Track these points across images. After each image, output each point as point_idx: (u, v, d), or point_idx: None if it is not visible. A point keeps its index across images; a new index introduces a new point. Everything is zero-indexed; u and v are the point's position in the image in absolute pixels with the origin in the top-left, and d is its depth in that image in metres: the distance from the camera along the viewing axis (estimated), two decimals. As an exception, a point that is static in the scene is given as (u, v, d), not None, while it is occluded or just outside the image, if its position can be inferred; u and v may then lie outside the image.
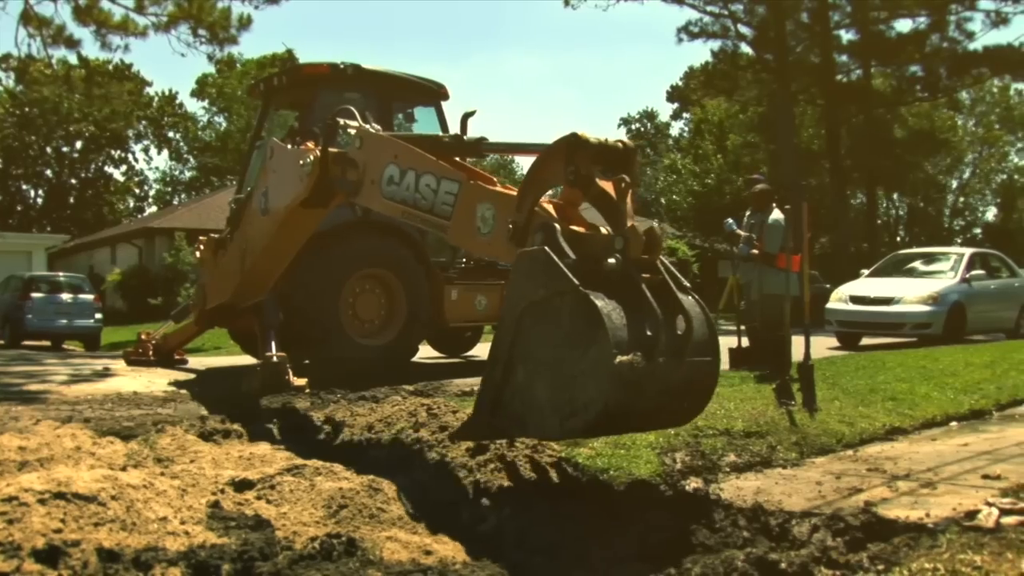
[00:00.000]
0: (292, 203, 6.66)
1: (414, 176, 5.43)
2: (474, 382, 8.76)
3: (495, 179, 5.43)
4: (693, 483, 5.17)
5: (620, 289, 3.90)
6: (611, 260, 4.03)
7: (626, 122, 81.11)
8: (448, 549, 3.98)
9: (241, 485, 4.63)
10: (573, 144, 4.35)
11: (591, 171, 4.33)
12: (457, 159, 5.71)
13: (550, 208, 4.57)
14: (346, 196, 6.24)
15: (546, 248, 4.07)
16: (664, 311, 3.91)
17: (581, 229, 4.35)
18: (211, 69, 56.43)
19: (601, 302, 3.79)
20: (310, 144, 6.56)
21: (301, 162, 6.40)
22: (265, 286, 8.31)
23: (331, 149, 6.17)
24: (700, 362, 4.02)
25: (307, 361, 9.65)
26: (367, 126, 6.08)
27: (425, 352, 12.70)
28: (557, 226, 4.17)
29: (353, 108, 6.29)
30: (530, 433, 4.20)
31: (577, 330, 3.85)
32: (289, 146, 7.07)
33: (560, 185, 4.63)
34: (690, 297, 4.10)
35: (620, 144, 4.41)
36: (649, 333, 3.81)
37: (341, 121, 6.17)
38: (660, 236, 4.14)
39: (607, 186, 4.29)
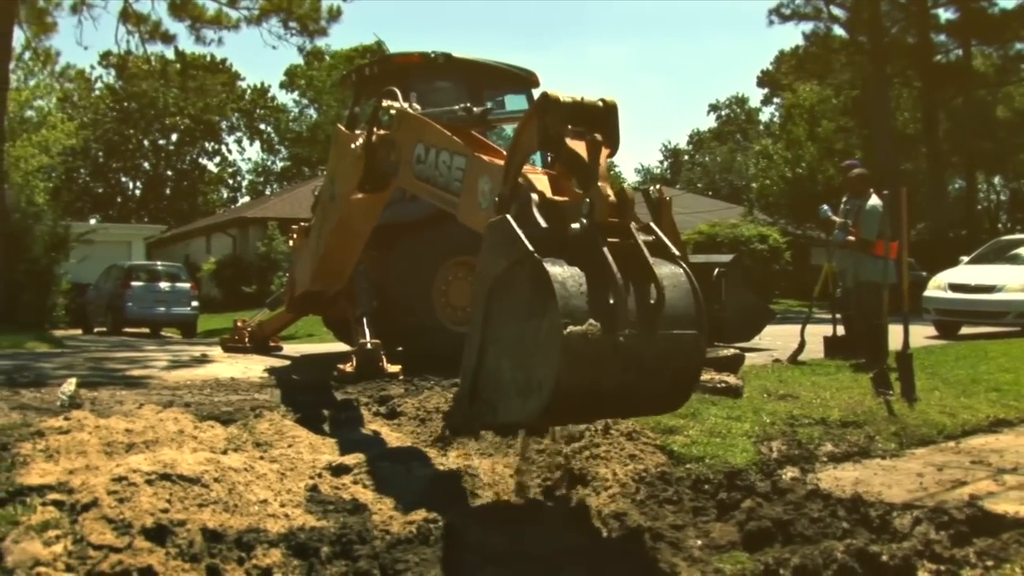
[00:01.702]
0: (351, 188, 6.70)
1: (435, 153, 5.31)
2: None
3: (504, 152, 5.00)
4: (790, 472, 5.10)
5: (586, 256, 3.55)
6: (575, 225, 3.68)
7: (715, 108, 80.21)
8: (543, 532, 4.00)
9: (338, 469, 4.70)
10: (543, 104, 4.06)
11: (560, 131, 4.01)
12: (476, 134, 5.49)
13: (540, 178, 4.32)
14: (392, 177, 6.18)
15: (507, 216, 3.78)
16: (636, 279, 3.54)
17: (564, 199, 4.02)
18: (300, 61, 57.39)
19: (556, 268, 3.44)
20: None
21: (353, 146, 6.46)
22: (341, 273, 8.34)
23: (378, 131, 6.10)
24: (679, 336, 3.57)
25: (400, 348, 9.76)
26: (404, 106, 6.01)
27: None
28: (534, 196, 3.88)
29: (396, 89, 6.18)
30: (500, 418, 3.81)
31: (533, 301, 3.52)
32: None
33: (535, 152, 4.39)
34: (674, 266, 3.69)
35: (599, 102, 4.07)
36: (611, 302, 3.43)
37: (384, 103, 6.13)
38: (631, 198, 3.72)
39: (579, 147, 3.98)
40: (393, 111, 5.96)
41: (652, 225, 3.85)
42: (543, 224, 3.72)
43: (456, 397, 4.14)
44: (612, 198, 3.70)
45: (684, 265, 3.71)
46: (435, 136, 5.41)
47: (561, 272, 3.43)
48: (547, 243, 3.57)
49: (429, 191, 5.42)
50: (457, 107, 5.73)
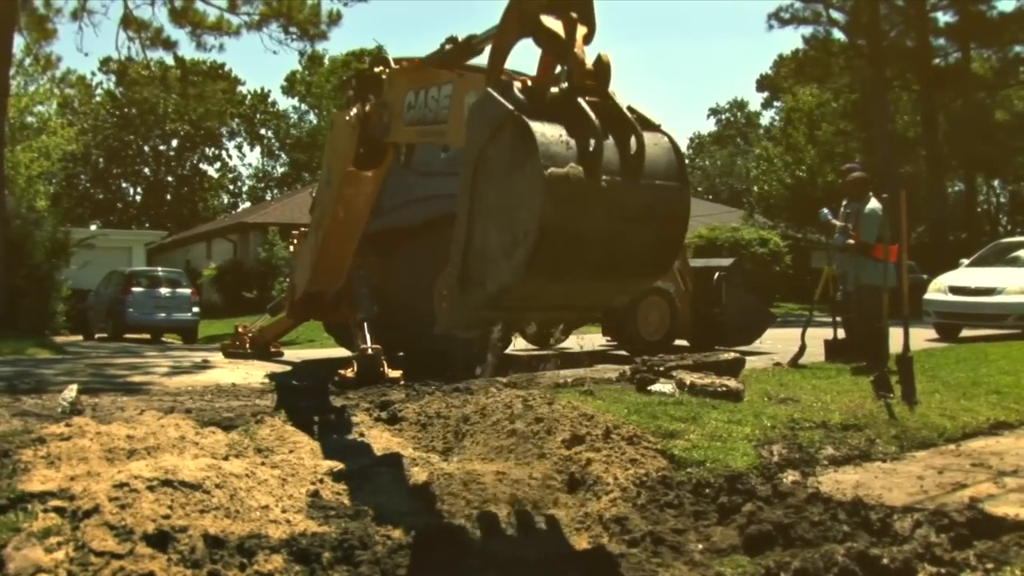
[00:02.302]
0: (347, 163, 6.71)
1: (424, 93, 5.34)
2: (568, 374, 8.78)
3: None
4: (791, 476, 5.10)
5: (566, 115, 3.56)
6: (554, 89, 3.73)
7: (715, 112, 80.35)
8: (545, 537, 4.00)
9: (339, 475, 4.71)
10: None
11: (536, 14, 4.01)
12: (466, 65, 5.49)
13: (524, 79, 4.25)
14: (384, 138, 6.18)
15: (489, 89, 3.80)
16: (617, 134, 3.56)
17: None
18: (300, 67, 57.53)
19: (536, 122, 3.46)
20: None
21: (347, 118, 6.50)
22: (340, 268, 8.30)
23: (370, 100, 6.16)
24: (662, 186, 3.59)
25: (401, 353, 9.77)
26: (394, 64, 6.07)
27: (518, 344, 12.75)
28: (515, 82, 3.86)
29: (384, 49, 6.23)
30: (489, 288, 3.76)
31: (516, 157, 3.53)
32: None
33: (516, 42, 4.34)
34: (657, 132, 3.71)
35: None
36: (591, 149, 3.44)
37: (376, 69, 6.17)
38: (608, 63, 3.72)
39: (557, 26, 3.96)
40: (384, 76, 6.00)
41: (632, 105, 3.83)
42: (521, 97, 3.73)
43: (448, 293, 4.11)
44: (589, 65, 3.74)
45: (665, 131, 3.74)
46: (423, 77, 5.43)
47: (542, 125, 3.46)
48: (529, 108, 3.59)
49: (421, 131, 5.44)
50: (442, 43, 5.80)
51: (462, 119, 4.61)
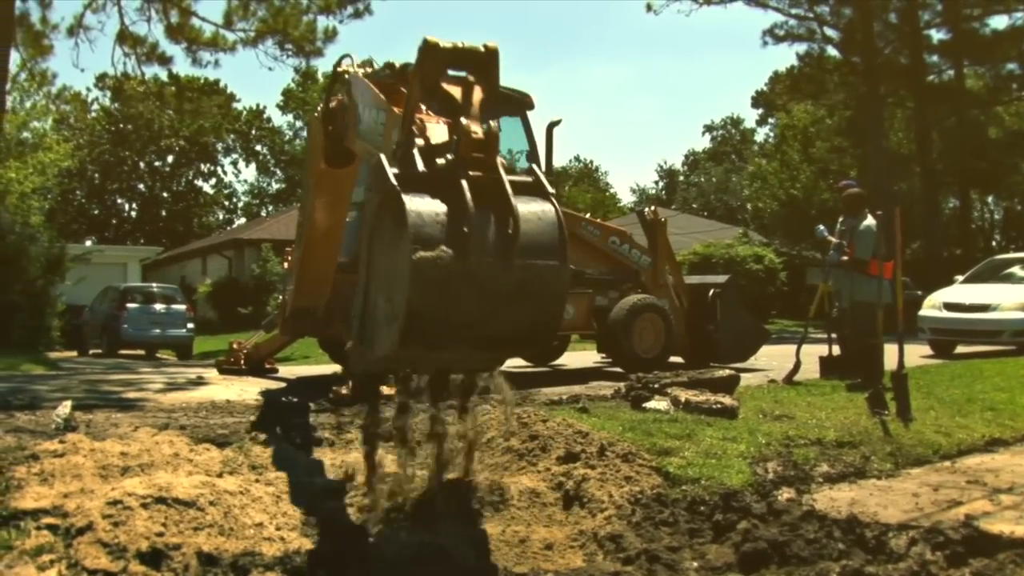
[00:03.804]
0: (318, 160, 6.68)
1: (370, 111, 5.28)
2: (563, 391, 8.77)
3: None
4: (786, 493, 5.09)
5: (449, 189, 3.60)
6: (440, 160, 3.77)
7: (710, 128, 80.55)
8: (539, 554, 3.99)
9: (334, 492, 4.70)
10: (423, 51, 4.14)
11: (436, 77, 4.09)
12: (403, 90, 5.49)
13: (438, 127, 4.31)
14: (344, 140, 6.16)
15: (380, 156, 3.85)
16: (497, 211, 3.59)
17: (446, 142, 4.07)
18: (294, 84, 57.59)
19: (414, 199, 3.51)
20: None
21: (316, 112, 6.48)
22: (322, 281, 8.21)
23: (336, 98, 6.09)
24: (538, 265, 3.60)
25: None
26: (356, 68, 6.03)
27: (512, 361, 12.72)
28: (418, 140, 3.96)
29: (351, 54, 6.21)
30: (376, 352, 3.85)
31: (395, 232, 3.59)
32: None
33: (420, 99, 4.37)
34: (545, 203, 3.73)
35: (480, 47, 4.14)
36: (466, 230, 3.48)
37: (341, 66, 6.14)
38: (496, 135, 3.76)
39: (454, 90, 4.05)
40: (347, 75, 5.98)
41: (535, 167, 3.91)
42: (420, 164, 3.78)
43: (351, 343, 4.17)
44: (479, 135, 3.75)
45: (555, 203, 3.75)
46: (369, 95, 5.41)
47: (419, 203, 3.51)
48: (418, 180, 3.64)
49: (366, 149, 5.41)
50: (381, 66, 5.80)
51: (390, 151, 4.60)
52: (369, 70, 5.86)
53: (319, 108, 6.52)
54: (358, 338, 4.01)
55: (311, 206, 7.24)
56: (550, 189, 3.79)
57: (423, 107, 4.39)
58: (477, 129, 3.77)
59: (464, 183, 3.57)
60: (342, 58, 6.29)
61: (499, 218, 3.56)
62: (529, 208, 3.64)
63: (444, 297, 3.47)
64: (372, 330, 3.86)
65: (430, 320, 3.50)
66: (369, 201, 3.97)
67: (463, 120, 3.80)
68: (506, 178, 3.68)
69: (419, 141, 3.95)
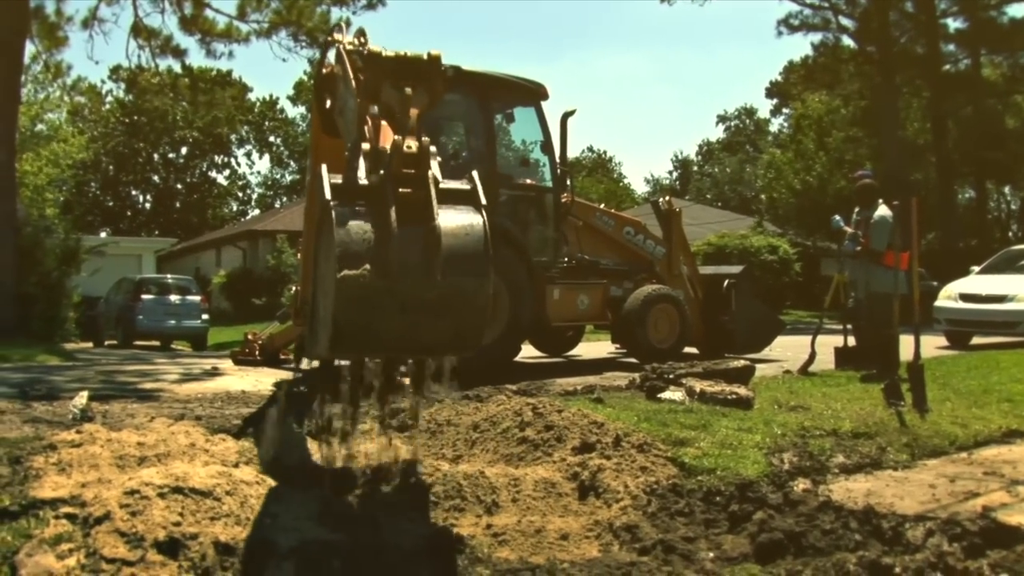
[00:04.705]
0: (317, 129, 6.63)
1: (346, 95, 5.33)
2: (578, 381, 8.77)
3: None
4: (802, 484, 5.08)
5: (380, 205, 3.69)
6: (372, 176, 3.81)
7: (724, 119, 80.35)
8: (554, 545, 3.99)
9: (349, 482, 4.70)
10: (366, 60, 4.22)
11: (378, 86, 4.14)
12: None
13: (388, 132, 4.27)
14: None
15: (323, 165, 3.88)
16: (423, 229, 3.65)
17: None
18: (306, 76, 57.55)
19: (344, 215, 3.61)
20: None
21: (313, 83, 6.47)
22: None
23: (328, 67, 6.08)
24: (460, 281, 3.67)
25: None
26: (344, 41, 5.96)
27: (527, 352, 12.74)
28: (364, 145, 3.98)
29: (343, 24, 6.14)
30: (317, 350, 4.01)
31: (327, 245, 3.70)
32: None
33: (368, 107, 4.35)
34: (474, 215, 3.79)
35: (423, 55, 4.18)
36: (385, 249, 3.58)
37: (333, 35, 6.08)
38: (427, 149, 3.78)
39: (395, 101, 4.08)
40: (338, 47, 5.93)
41: (473, 175, 3.93)
42: (362, 173, 3.84)
43: (306, 332, 4.38)
44: (412, 149, 3.78)
45: (484, 215, 3.79)
46: (348, 78, 5.40)
47: (347, 221, 3.60)
48: (355, 191, 3.73)
49: (345, 129, 5.42)
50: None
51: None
52: (362, 40, 5.84)
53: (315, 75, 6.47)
54: (309, 330, 4.20)
55: (314, 181, 7.19)
56: (483, 200, 3.85)
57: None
58: (411, 143, 3.79)
59: (391, 201, 3.65)
60: (334, 27, 6.22)
61: (424, 234, 3.64)
62: (457, 220, 3.72)
63: (367, 313, 3.59)
64: (315, 329, 4.02)
65: (354, 332, 3.64)
66: (316, 204, 4.08)
67: (395, 137, 3.84)
68: (434, 193, 3.73)
69: (365, 146, 3.98)
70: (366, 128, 4.18)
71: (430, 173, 3.79)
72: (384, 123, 4.23)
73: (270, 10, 23.44)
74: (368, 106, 4.27)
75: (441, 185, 3.79)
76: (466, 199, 3.83)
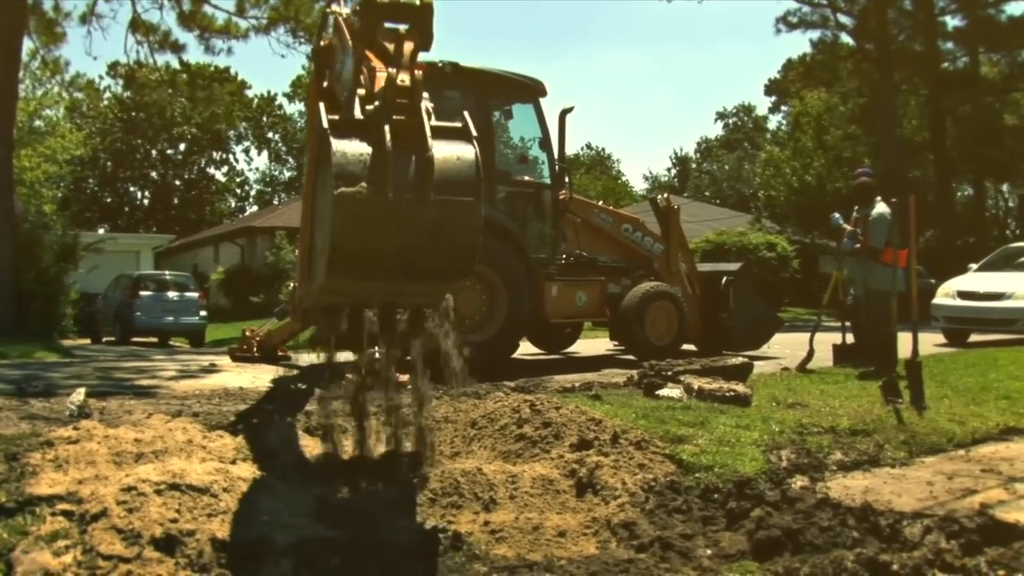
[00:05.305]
0: (315, 100, 6.60)
1: (344, 57, 5.40)
2: (576, 378, 8.76)
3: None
4: (799, 481, 5.08)
5: (376, 133, 3.85)
6: (369, 107, 4.01)
7: (722, 116, 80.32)
8: (551, 542, 3.99)
9: (347, 479, 4.70)
10: (362, 6, 4.37)
11: (372, 28, 4.30)
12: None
13: (382, 73, 4.41)
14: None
15: (321, 103, 4.11)
16: (417, 152, 3.83)
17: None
18: (304, 72, 57.48)
19: (341, 141, 3.78)
20: None
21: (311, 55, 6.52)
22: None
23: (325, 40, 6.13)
24: (453, 201, 3.85)
25: (408, 358, 9.74)
26: (340, 11, 5.99)
27: (525, 348, 12.74)
28: (360, 90, 4.21)
29: None
30: (314, 286, 4.17)
31: (325, 173, 3.85)
32: None
33: (363, 53, 4.60)
34: (466, 144, 3.98)
35: (416, 1, 4.29)
36: (380, 168, 3.74)
37: (329, 8, 6.11)
38: (420, 82, 3.99)
39: (390, 43, 4.24)
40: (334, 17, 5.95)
41: (466, 115, 4.10)
42: (357, 111, 4.07)
43: (299, 278, 4.52)
44: (405, 82, 3.97)
45: (475, 145, 3.99)
46: (344, 40, 5.44)
47: (345, 144, 3.76)
48: (350, 126, 3.90)
49: (340, 93, 5.48)
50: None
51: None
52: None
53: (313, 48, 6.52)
54: (307, 275, 4.37)
55: (312, 161, 7.15)
56: (474, 133, 4.03)
57: (371, 56, 4.55)
58: (404, 77, 3.97)
59: (386, 127, 3.81)
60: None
61: (419, 158, 3.81)
62: (450, 149, 3.90)
63: (364, 230, 3.73)
64: (313, 265, 4.15)
65: (352, 252, 3.77)
66: (313, 145, 4.27)
67: (391, 70, 4.03)
68: (427, 123, 3.91)
69: (360, 91, 4.19)
70: (361, 77, 4.42)
71: (423, 105, 3.97)
72: (379, 70, 4.42)
73: (268, 6, 23.39)
74: (363, 50, 4.50)
75: (434, 122, 3.97)
76: (458, 135, 4.01)
